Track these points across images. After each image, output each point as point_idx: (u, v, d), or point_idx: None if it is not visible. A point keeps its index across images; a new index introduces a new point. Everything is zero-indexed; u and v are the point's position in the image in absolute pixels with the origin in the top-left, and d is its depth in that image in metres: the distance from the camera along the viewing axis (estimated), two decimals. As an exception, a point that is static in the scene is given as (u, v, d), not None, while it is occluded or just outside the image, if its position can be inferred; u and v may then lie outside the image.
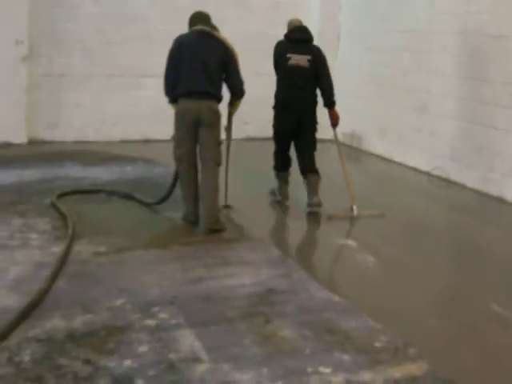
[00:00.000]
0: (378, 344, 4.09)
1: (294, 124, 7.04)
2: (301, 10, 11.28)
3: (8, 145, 9.72)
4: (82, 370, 3.66)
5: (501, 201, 7.70)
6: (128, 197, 7.18)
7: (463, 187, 8.29)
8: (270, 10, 11.14)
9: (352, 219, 6.98)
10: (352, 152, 10.68)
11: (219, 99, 6.40)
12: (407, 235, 6.63)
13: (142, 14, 10.47)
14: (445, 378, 3.71)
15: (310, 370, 3.74)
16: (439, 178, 8.71)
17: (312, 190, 7.02)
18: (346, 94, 11.11)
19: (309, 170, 7.09)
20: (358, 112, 10.80)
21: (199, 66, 6.25)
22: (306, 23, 10.86)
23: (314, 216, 6.95)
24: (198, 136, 6.30)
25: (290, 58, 6.99)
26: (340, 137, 11.08)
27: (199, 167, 6.41)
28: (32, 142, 9.98)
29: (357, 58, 10.82)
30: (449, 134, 8.68)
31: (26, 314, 4.23)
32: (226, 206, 6.96)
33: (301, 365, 3.79)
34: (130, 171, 8.57)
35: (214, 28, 6.50)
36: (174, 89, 6.36)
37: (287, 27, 7.31)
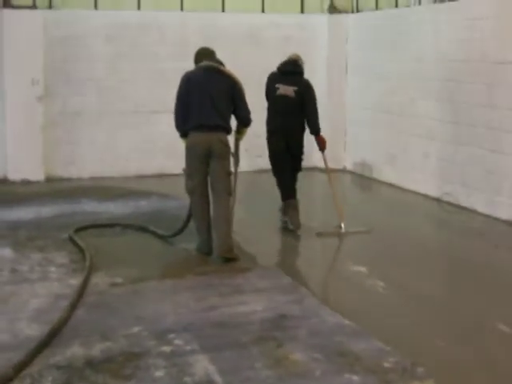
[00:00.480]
0: (386, 364, 4.21)
1: (282, 145, 7.54)
2: (309, 43, 11.57)
3: (27, 182, 9.97)
4: (101, 396, 3.81)
5: (510, 224, 7.81)
6: (143, 229, 7.35)
7: (473, 212, 8.40)
8: (281, 45, 11.35)
9: (340, 235, 7.47)
10: (363, 181, 10.87)
11: (228, 131, 6.58)
12: (417, 260, 6.75)
13: (154, 51, 10.73)
14: (451, 396, 3.83)
15: (320, 390, 3.87)
16: (449, 203, 8.84)
17: (292, 214, 7.52)
18: (355, 124, 11.37)
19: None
20: (367, 141, 11.00)
21: (208, 101, 6.42)
22: (315, 57, 11.24)
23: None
24: (208, 168, 6.47)
25: (278, 88, 7.58)
26: (352, 166, 11.39)
27: (211, 198, 6.57)
28: (49, 179, 10.24)
29: (364, 88, 11.02)
30: (457, 159, 8.81)
31: (47, 342, 4.40)
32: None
33: (311, 386, 3.92)
34: (144, 205, 8.77)
35: (220, 63, 6.68)
36: (184, 123, 6.55)
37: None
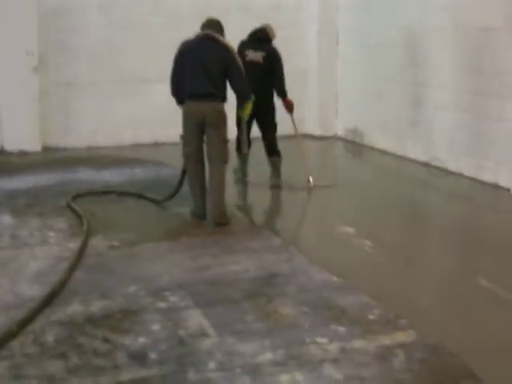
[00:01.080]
0: (371, 317, 4.45)
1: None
2: (300, 11, 11.70)
3: (23, 153, 10.13)
4: (101, 347, 4.04)
5: (495, 186, 8.04)
6: (138, 196, 7.55)
7: (461, 176, 8.61)
8: (271, 13, 11.46)
9: (308, 189, 8.14)
10: (355, 147, 11.06)
11: (223, 99, 6.67)
12: (404, 221, 7.00)
13: (146, 21, 10.84)
14: (431, 343, 4.07)
15: (308, 340, 4.11)
16: (438, 168, 9.04)
17: (272, 170, 8.24)
18: (346, 91, 11.53)
19: (269, 152, 8.26)
20: (359, 108, 11.17)
21: (201, 69, 6.53)
22: (305, 24, 11.39)
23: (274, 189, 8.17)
24: (204, 135, 6.64)
25: (247, 55, 8.05)
26: (343, 133, 11.58)
27: (207, 165, 6.76)
28: (46, 150, 10.40)
29: (356, 56, 11.16)
30: (445, 125, 9.00)
31: (48, 300, 4.61)
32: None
33: (300, 336, 4.16)
34: (139, 173, 8.95)
35: (220, 33, 6.79)
36: (179, 91, 6.70)
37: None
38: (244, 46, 8.17)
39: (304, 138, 8.92)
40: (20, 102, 10.12)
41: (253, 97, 7.09)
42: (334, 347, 4.02)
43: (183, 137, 6.74)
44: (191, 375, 3.73)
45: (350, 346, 4.04)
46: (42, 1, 10.21)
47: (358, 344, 4.06)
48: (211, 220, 6.58)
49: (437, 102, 9.15)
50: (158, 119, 10.80)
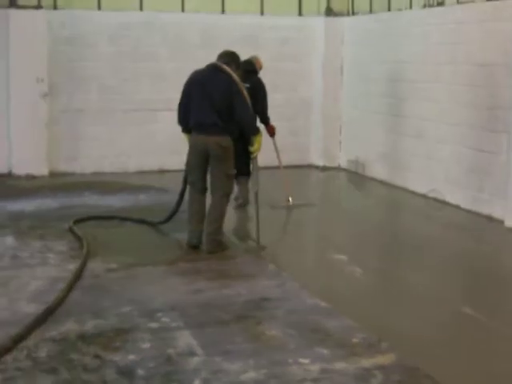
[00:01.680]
0: (354, 340, 4.59)
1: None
2: (306, 44, 11.95)
3: (31, 177, 10.37)
4: (91, 363, 4.20)
5: (489, 218, 8.19)
6: (139, 221, 7.75)
7: (457, 208, 8.76)
8: (278, 46, 11.73)
9: (289, 207, 8.74)
10: (357, 178, 11.23)
11: (229, 132, 6.60)
12: (397, 250, 7.16)
13: (155, 52, 11.11)
14: (409, 366, 4.21)
15: (291, 360, 4.26)
16: (436, 199, 9.20)
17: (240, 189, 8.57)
18: (349, 123, 11.74)
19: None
20: (361, 139, 11.36)
21: (207, 99, 6.54)
22: (310, 56, 11.65)
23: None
24: (208, 165, 6.67)
25: None
26: (345, 164, 11.76)
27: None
28: (53, 174, 10.64)
29: (358, 88, 11.38)
30: (443, 157, 9.17)
31: (43, 318, 4.77)
32: (260, 247, 7.05)
33: (283, 357, 4.31)
34: (143, 199, 9.16)
35: (233, 64, 6.80)
36: (186, 119, 6.74)
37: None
38: None
39: (285, 167, 9.32)
40: (29, 128, 10.41)
41: (260, 131, 6.88)
42: (315, 368, 4.16)
43: (187, 165, 6.83)
44: (176, 391, 3.88)
45: (331, 367, 4.18)
46: (53, 29, 10.52)
47: (339, 365, 4.20)
48: (206, 249, 6.65)
49: (434, 134, 9.33)
50: (164, 147, 11.04)
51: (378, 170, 10.80)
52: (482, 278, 6.28)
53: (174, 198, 8.64)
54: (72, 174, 10.78)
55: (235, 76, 6.68)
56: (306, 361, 4.25)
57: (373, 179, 10.83)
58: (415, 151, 9.81)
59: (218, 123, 6.55)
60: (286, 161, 9.03)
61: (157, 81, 11.09)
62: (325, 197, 10.22)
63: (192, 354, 4.35)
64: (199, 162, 6.67)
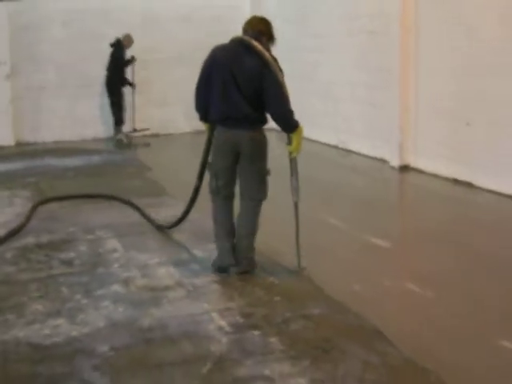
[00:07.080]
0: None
1: None
2: (237, 22, 13.49)
3: (-1, 147, 12.06)
4: (43, 259, 5.93)
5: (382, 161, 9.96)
6: (141, 215, 7.31)
7: (359, 155, 10.51)
8: (212, 24, 13.32)
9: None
10: (277, 134, 12.87)
11: (262, 122, 5.40)
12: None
13: (102, 34, 12.64)
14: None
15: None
16: (343, 149, 10.95)
17: None
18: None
19: None
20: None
21: (234, 85, 5.25)
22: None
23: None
24: (238, 166, 5.43)
25: None
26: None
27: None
28: (19, 144, 12.35)
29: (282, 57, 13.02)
30: (347, 114, 10.92)
31: (9, 236, 6.47)
32: (301, 268, 5.57)
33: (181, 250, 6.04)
34: (95, 159, 10.89)
35: (261, 37, 5.38)
36: (205, 108, 5.44)
37: None
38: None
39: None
40: (-4, 104, 12.07)
41: (300, 126, 5.42)
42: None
43: (211, 167, 5.52)
44: (100, 270, 5.62)
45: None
46: (12, 18, 12.13)
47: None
48: (237, 269, 5.46)
49: (342, 95, 11.08)
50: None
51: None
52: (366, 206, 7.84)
53: (121, 157, 10.47)
54: (36, 144, 12.45)
55: (268, 55, 5.25)
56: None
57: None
58: (325, 110, 11.56)
59: (250, 115, 5.28)
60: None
61: (105, 59, 12.65)
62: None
63: (115, 250, 6.10)
64: (229, 163, 5.42)
